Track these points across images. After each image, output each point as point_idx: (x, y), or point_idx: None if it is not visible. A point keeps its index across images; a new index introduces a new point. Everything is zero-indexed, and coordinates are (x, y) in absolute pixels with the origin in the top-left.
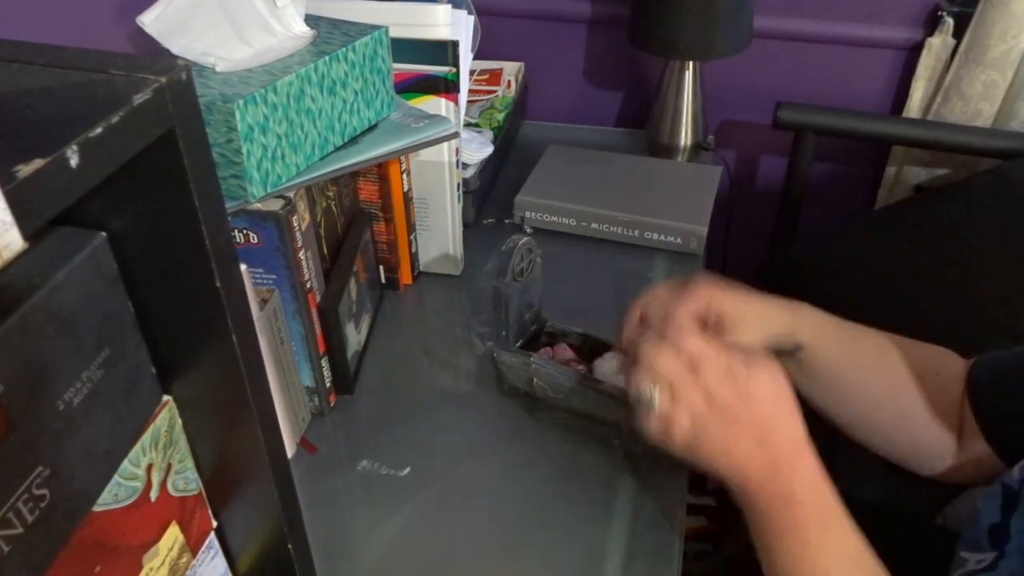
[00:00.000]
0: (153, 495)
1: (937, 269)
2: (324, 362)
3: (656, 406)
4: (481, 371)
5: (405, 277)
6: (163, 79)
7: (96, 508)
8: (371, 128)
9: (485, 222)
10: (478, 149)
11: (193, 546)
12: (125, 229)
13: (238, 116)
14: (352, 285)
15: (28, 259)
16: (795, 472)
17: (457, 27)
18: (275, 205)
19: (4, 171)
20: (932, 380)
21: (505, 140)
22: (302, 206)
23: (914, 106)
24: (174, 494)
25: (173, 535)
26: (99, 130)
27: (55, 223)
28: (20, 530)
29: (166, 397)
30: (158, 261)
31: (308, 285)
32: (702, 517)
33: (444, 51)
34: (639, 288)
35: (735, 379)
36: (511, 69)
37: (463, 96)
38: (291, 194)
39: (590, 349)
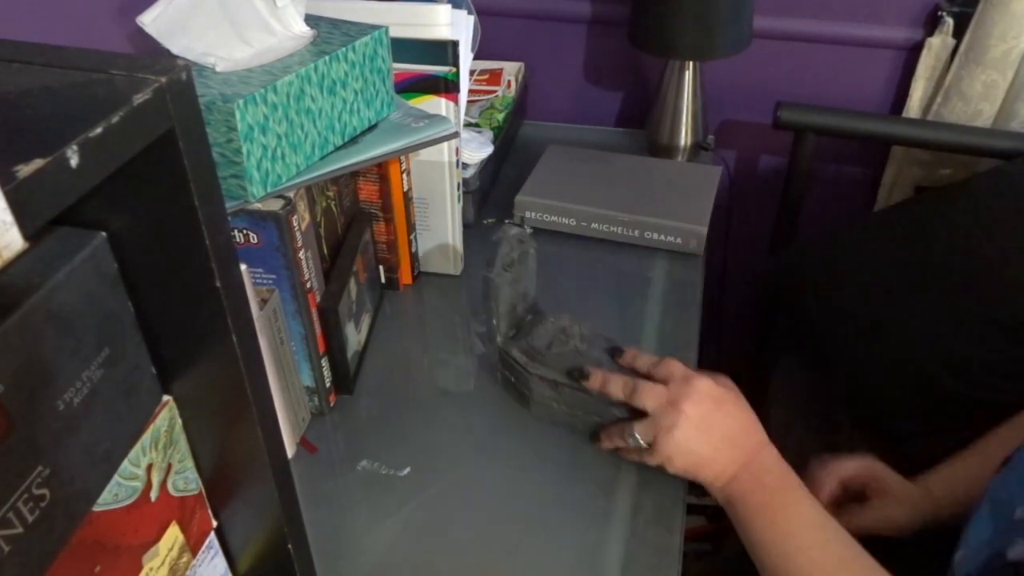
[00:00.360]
0: (153, 495)
1: (937, 270)
2: (324, 362)
3: (641, 444)
4: (481, 371)
5: (405, 277)
6: (163, 79)
7: (96, 508)
8: (371, 128)
9: (485, 222)
10: (478, 149)
11: (193, 546)
12: (125, 229)
13: (238, 116)
14: (352, 285)
15: (28, 259)
16: (761, 462)
17: (457, 27)
18: (275, 205)
19: (4, 171)
20: None
21: (505, 140)
22: (302, 206)
23: (914, 106)
24: (174, 494)
25: (173, 535)
26: (99, 130)
27: (55, 223)
28: (20, 530)
29: (166, 397)
30: (158, 261)
31: (308, 285)
32: (702, 517)
33: (444, 51)
34: (639, 288)
35: (709, 400)
36: (511, 69)
37: (463, 96)
38: (291, 194)
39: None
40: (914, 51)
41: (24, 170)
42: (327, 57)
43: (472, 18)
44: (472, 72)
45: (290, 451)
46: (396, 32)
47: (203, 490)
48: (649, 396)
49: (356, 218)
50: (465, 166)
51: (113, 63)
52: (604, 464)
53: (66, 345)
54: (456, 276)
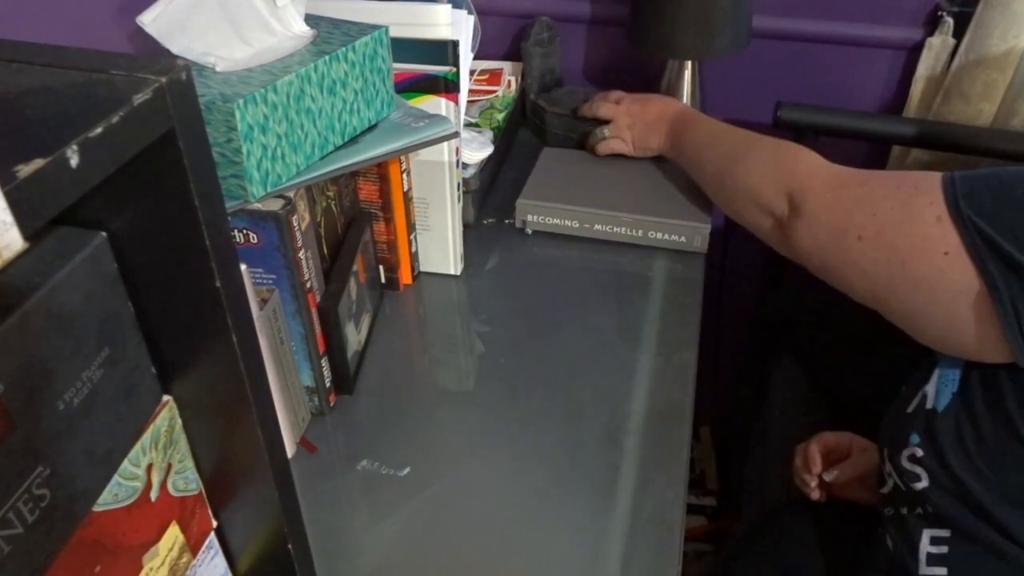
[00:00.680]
0: (153, 495)
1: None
2: (324, 362)
3: (605, 134)
4: (481, 371)
5: (405, 277)
6: (163, 79)
7: (96, 508)
8: (371, 128)
9: (485, 222)
10: (478, 149)
11: (193, 546)
12: (125, 229)
13: (238, 116)
14: (352, 285)
15: (28, 259)
16: (680, 118)
17: (457, 27)
18: (275, 205)
19: (4, 171)
20: None
21: (505, 140)
22: (302, 206)
23: (914, 106)
24: (174, 494)
25: (173, 535)
26: (99, 130)
27: (55, 223)
28: (20, 530)
29: (166, 397)
30: (158, 261)
31: (308, 285)
32: (702, 517)
33: (444, 51)
34: (639, 288)
35: (639, 100)
36: (511, 69)
37: (463, 96)
38: (291, 194)
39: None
40: (914, 51)
41: (24, 170)
42: (327, 57)
43: (472, 18)
44: (472, 72)
45: (290, 451)
46: (396, 32)
47: (203, 490)
48: (604, 107)
49: (356, 218)
50: (465, 166)
51: (113, 63)
52: (604, 464)
53: (66, 345)
54: (456, 276)
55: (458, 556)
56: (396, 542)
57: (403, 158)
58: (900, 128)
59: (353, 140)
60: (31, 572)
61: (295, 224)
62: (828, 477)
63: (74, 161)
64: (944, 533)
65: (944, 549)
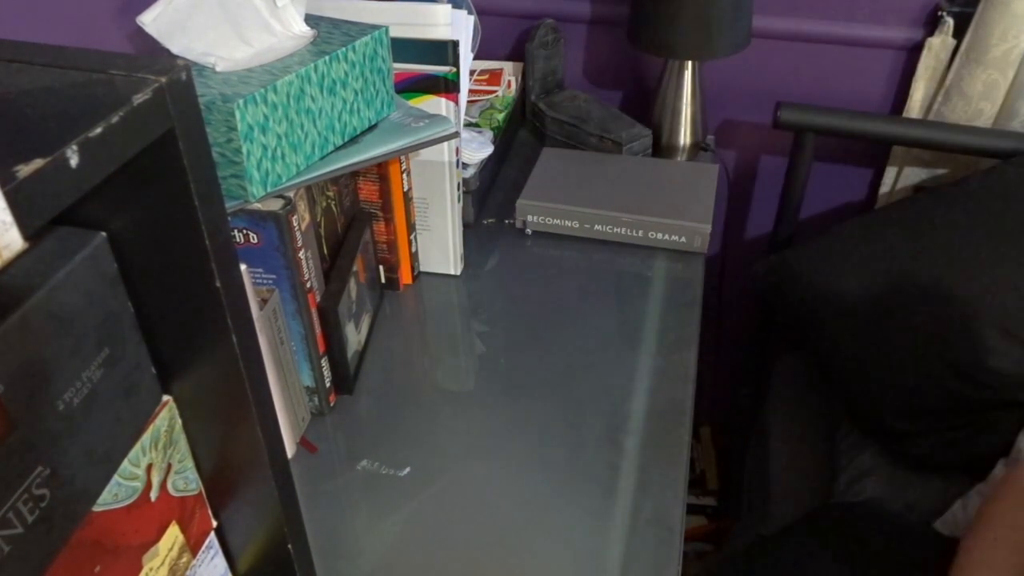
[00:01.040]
0: (153, 495)
1: (936, 269)
2: (324, 362)
3: None
4: (481, 371)
5: (405, 277)
6: (163, 79)
7: (96, 508)
8: (371, 128)
9: (485, 222)
10: (478, 149)
11: (193, 546)
12: (125, 229)
13: (238, 116)
14: (352, 285)
15: (28, 259)
16: None
17: (457, 27)
18: (275, 205)
19: (4, 171)
20: None
21: (505, 140)
22: (302, 206)
23: (914, 106)
24: (174, 494)
25: (173, 535)
26: (99, 130)
27: (55, 223)
28: (20, 530)
29: (166, 397)
30: (158, 261)
31: (308, 285)
32: (702, 517)
33: (444, 51)
34: (639, 288)
35: None
36: (511, 69)
37: (463, 96)
38: (291, 194)
39: None
40: (914, 51)
41: (24, 170)
42: (327, 57)
43: (472, 18)
44: (472, 72)
45: (290, 451)
46: (396, 32)
47: (203, 490)
48: None
49: (356, 218)
50: (465, 166)
51: (113, 63)
52: (604, 464)
53: (66, 345)
54: (456, 276)
55: (458, 556)
56: (396, 542)
57: (403, 158)
58: (900, 128)
59: (353, 140)
60: (31, 572)
61: (295, 224)
62: None
63: (74, 161)
64: None
65: None
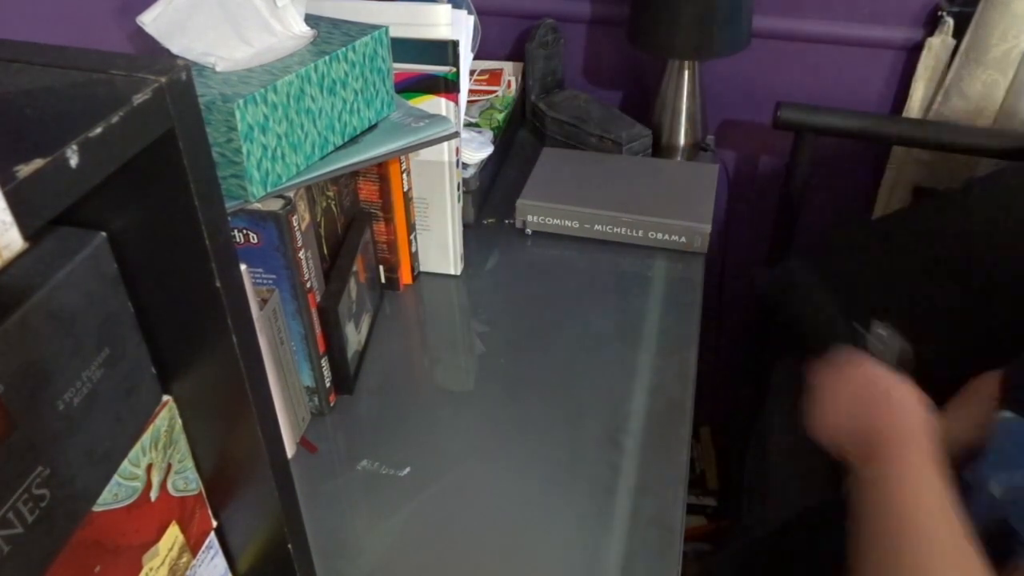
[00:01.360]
0: (153, 495)
1: (936, 270)
2: (324, 362)
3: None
4: (481, 371)
5: (405, 277)
6: (163, 79)
7: (96, 508)
8: (371, 128)
9: (485, 222)
10: (478, 149)
11: (193, 546)
12: (125, 229)
13: (238, 116)
14: (352, 285)
15: (28, 259)
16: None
17: (457, 27)
18: (275, 205)
19: (4, 171)
20: None
21: (505, 140)
22: (302, 206)
23: (914, 106)
24: (174, 494)
25: (173, 535)
26: (99, 130)
27: (55, 223)
28: (20, 530)
29: (166, 397)
30: (158, 261)
31: (308, 285)
32: (702, 517)
33: (444, 51)
34: (639, 288)
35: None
36: (511, 69)
37: (463, 96)
38: (291, 194)
39: None
40: (914, 51)
41: (24, 170)
42: (327, 57)
43: (472, 18)
44: (472, 72)
45: (290, 451)
46: (396, 32)
47: (203, 490)
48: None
49: (356, 218)
50: (465, 166)
51: (113, 63)
52: (604, 464)
53: (66, 345)
54: (456, 276)
55: (458, 556)
56: (396, 542)
57: (403, 158)
58: (900, 128)
59: (353, 140)
60: (31, 572)
61: (295, 224)
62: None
63: (74, 161)
64: None
65: None
